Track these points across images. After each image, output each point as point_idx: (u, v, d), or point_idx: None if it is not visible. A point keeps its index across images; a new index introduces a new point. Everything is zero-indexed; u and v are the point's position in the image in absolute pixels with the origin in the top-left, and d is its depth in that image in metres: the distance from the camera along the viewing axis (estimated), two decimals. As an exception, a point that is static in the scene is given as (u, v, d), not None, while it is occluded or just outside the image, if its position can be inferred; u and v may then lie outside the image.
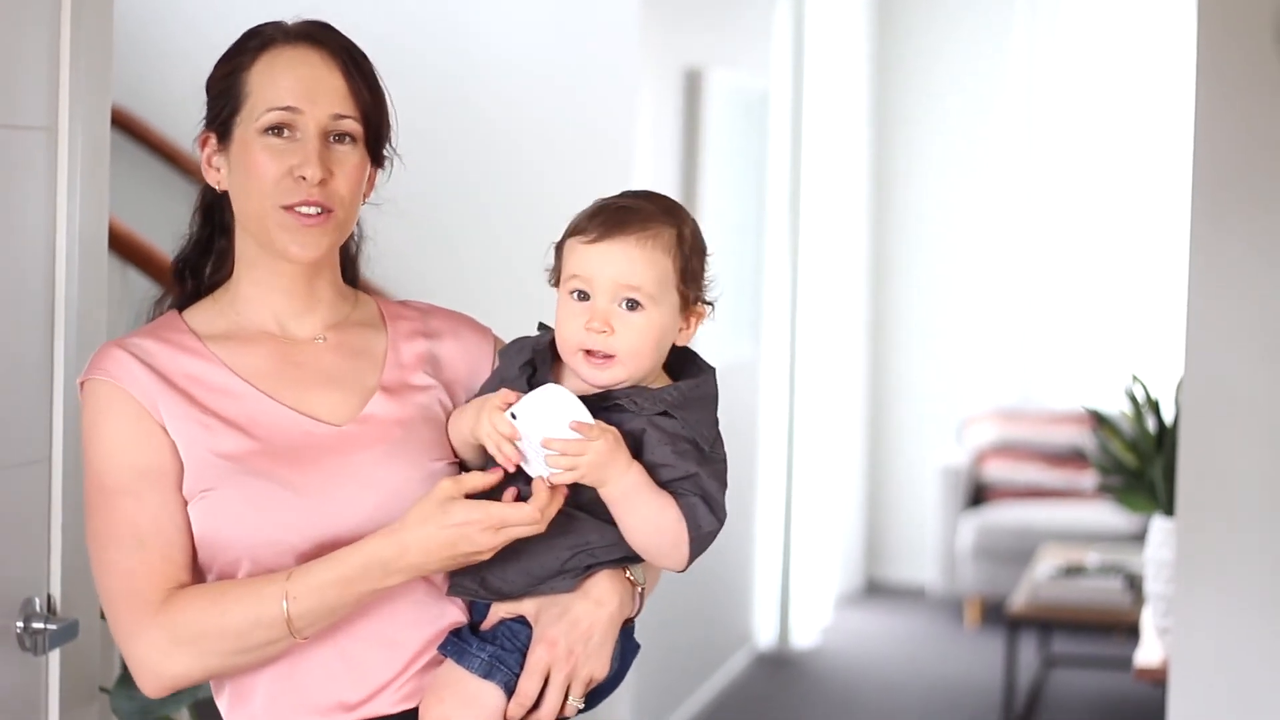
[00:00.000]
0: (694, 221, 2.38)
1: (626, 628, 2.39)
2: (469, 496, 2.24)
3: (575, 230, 2.34)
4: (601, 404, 2.29)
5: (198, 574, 2.33)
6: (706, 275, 2.38)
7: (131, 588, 2.29)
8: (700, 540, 2.30)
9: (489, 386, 2.40)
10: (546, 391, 2.25)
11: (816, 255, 8.27)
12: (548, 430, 2.23)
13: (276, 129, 2.33)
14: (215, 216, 2.46)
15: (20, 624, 2.64)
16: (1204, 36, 3.87)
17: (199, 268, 2.48)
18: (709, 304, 2.39)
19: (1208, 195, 3.87)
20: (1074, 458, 8.67)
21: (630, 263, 2.30)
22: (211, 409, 2.33)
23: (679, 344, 2.38)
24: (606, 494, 2.27)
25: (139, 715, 3.17)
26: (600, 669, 2.33)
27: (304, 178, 2.32)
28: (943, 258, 9.51)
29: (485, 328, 2.55)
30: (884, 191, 9.54)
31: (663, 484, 2.28)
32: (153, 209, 5.81)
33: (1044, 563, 7.23)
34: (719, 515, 2.31)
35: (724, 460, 2.35)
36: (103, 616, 3.36)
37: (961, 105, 9.46)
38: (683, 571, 2.36)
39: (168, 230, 6.01)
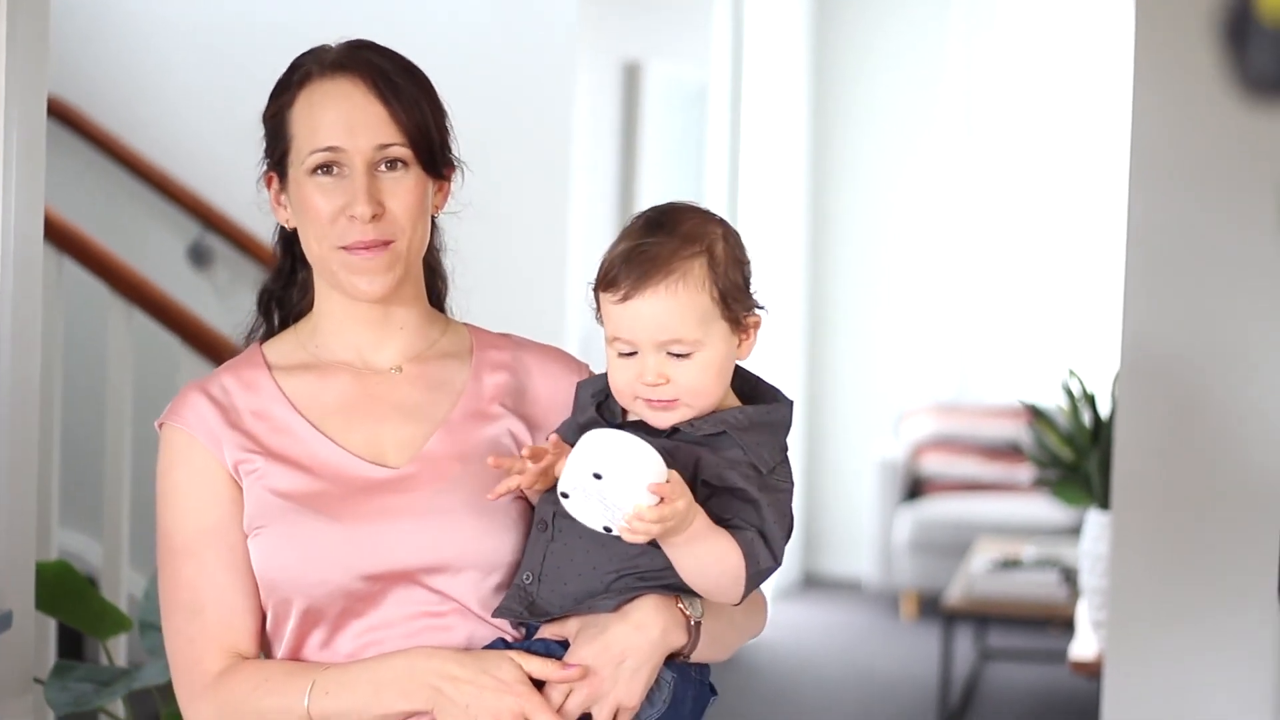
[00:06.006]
0: (726, 233, 2.25)
1: (678, 662, 2.27)
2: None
3: (606, 283, 2.21)
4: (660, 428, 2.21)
5: (265, 639, 2.30)
6: (751, 283, 2.26)
7: (191, 656, 2.27)
8: (757, 576, 2.19)
9: (568, 422, 2.32)
10: (624, 445, 2.09)
11: (754, 248, 8.26)
12: (624, 489, 2.08)
13: (325, 168, 2.28)
14: (294, 248, 2.40)
15: (-47, 616, 2.63)
16: (1142, 34, 3.89)
17: (284, 299, 2.44)
18: (761, 309, 2.27)
19: (1144, 191, 3.89)
20: (1010, 452, 8.70)
21: (666, 315, 2.17)
22: (273, 448, 2.29)
23: (740, 359, 2.26)
24: (667, 543, 2.16)
25: (73, 705, 3.14)
26: (630, 697, 2.21)
27: (354, 216, 2.26)
28: (880, 251, 9.53)
29: (580, 363, 2.45)
30: (822, 185, 9.55)
31: (720, 513, 2.17)
32: (88, 198, 5.77)
33: (980, 556, 7.26)
34: (776, 554, 2.20)
35: (787, 489, 2.23)
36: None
37: (899, 99, 9.49)
38: (737, 605, 2.25)
39: (102, 219, 5.97)
